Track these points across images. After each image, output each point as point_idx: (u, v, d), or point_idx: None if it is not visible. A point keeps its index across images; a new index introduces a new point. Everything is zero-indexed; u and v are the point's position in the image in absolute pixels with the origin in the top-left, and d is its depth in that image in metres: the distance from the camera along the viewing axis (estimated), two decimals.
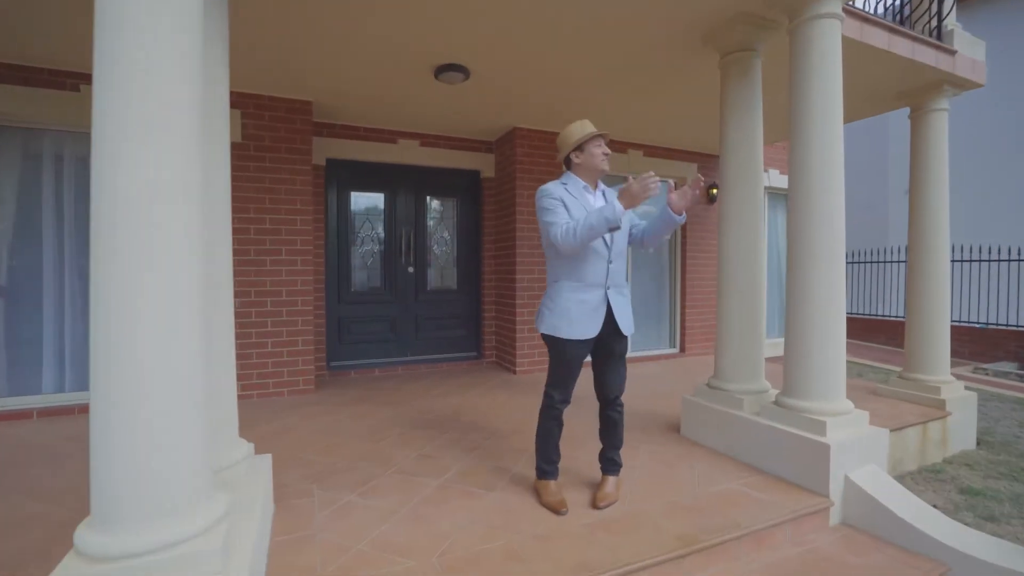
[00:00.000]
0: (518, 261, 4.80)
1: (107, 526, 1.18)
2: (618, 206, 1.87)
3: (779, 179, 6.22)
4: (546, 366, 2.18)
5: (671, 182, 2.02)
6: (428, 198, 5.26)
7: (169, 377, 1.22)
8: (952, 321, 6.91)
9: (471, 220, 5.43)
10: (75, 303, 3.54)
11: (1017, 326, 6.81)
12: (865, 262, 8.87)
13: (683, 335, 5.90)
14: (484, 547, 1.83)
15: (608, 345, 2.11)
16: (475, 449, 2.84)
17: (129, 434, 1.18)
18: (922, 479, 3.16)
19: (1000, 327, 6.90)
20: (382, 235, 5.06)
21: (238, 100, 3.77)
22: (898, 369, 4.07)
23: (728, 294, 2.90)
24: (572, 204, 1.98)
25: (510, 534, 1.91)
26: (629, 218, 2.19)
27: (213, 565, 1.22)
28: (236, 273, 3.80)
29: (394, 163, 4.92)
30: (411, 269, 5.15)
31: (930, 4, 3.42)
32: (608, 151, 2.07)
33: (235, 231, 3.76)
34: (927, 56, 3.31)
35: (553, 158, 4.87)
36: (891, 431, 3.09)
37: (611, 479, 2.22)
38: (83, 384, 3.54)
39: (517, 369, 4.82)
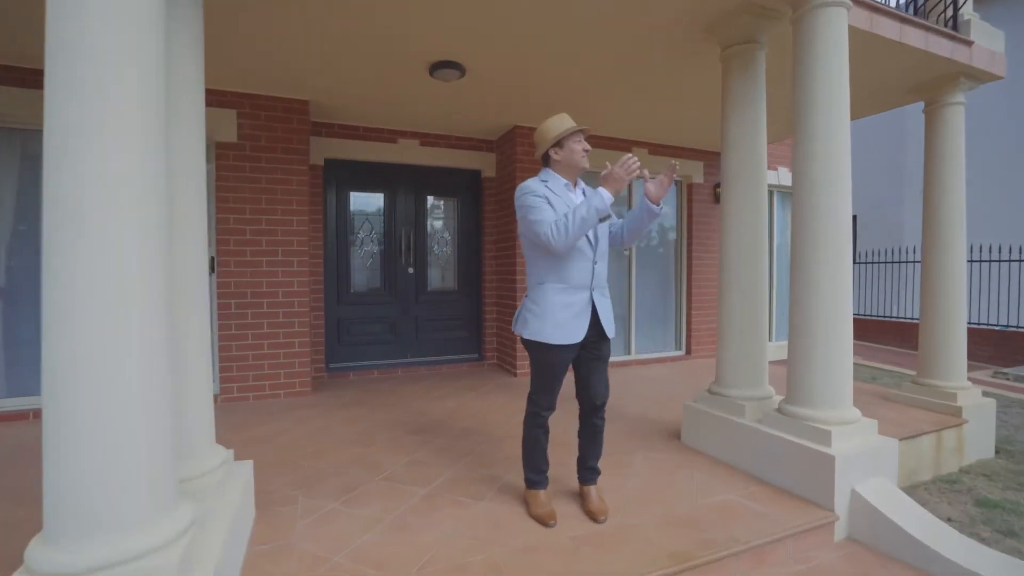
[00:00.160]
0: (519, 262, 4.72)
1: (58, 541, 1.13)
2: (605, 193, 1.79)
3: (789, 177, 6.06)
4: None
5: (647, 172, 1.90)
6: (428, 198, 5.21)
7: (122, 383, 1.16)
8: (970, 323, 6.68)
9: (472, 220, 5.37)
10: None
11: None
12: (880, 262, 8.63)
13: (689, 337, 5.77)
14: (466, 560, 1.75)
15: (593, 349, 2.02)
16: (467, 455, 2.77)
17: (79, 444, 1.13)
18: (936, 490, 3.02)
19: (1022, 329, 6.65)
20: (382, 235, 5.01)
21: (234, 100, 3.75)
22: (913, 373, 3.91)
23: (729, 295, 2.79)
24: (556, 202, 1.89)
25: (494, 547, 1.84)
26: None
27: None
28: (232, 275, 3.82)
29: (394, 163, 4.87)
30: (411, 270, 5.10)
31: None
32: (588, 147, 1.98)
33: (231, 232, 3.80)
34: (942, 47, 3.16)
35: None
36: (904, 439, 2.96)
37: (594, 488, 2.14)
38: None
39: (518, 371, 4.74)
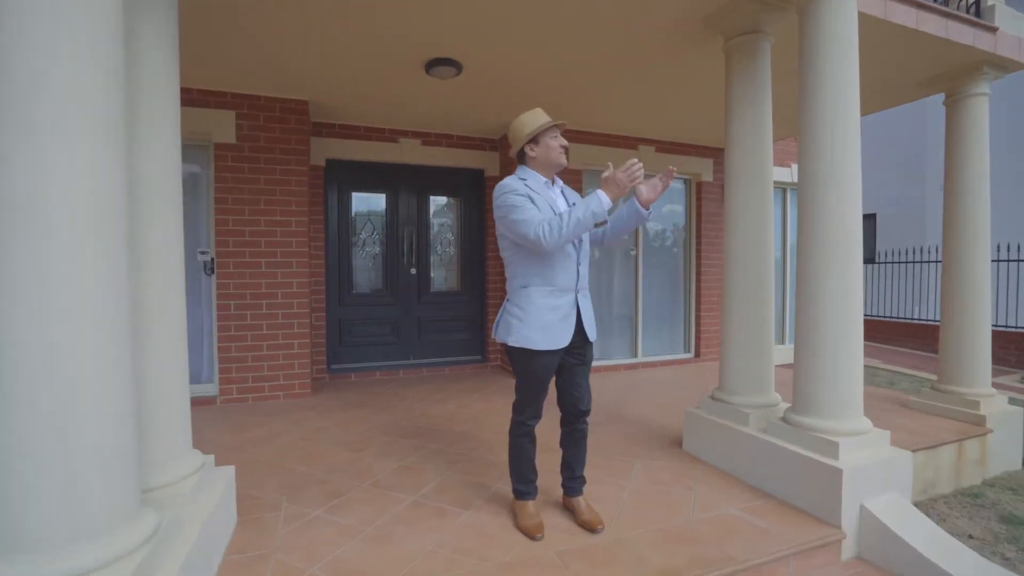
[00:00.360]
0: None
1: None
2: (604, 197, 1.70)
3: None
4: None
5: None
6: (431, 198, 5.16)
7: (64, 385, 1.11)
8: (997, 326, 6.38)
9: (475, 220, 5.30)
10: None
11: None
12: (901, 262, 8.32)
13: (698, 339, 5.61)
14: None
15: (578, 354, 1.93)
16: (459, 461, 2.70)
17: (15, 452, 1.08)
18: (957, 504, 2.85)
19: None
20: (384, 236, 4.98)
21: (232, 101, 3.74)
22: (934, 377, 3.72)
23: (733, 296, 2.67)
24: (538, 201, 1.80)
25: (476, 561, 1.76)
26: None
27: None
28: (231, 276, 3.81)
29: (396, 163, 4.83)
30: (413, 270, 5.05)
31: None
32: (565, 143, 1.89)
33: (230, 233, 3.79)
34: (963, 35, 2.98)
35: None
36: (921, 450, 2.80)
37: (582, 499, 2.06)
38: None
39: None
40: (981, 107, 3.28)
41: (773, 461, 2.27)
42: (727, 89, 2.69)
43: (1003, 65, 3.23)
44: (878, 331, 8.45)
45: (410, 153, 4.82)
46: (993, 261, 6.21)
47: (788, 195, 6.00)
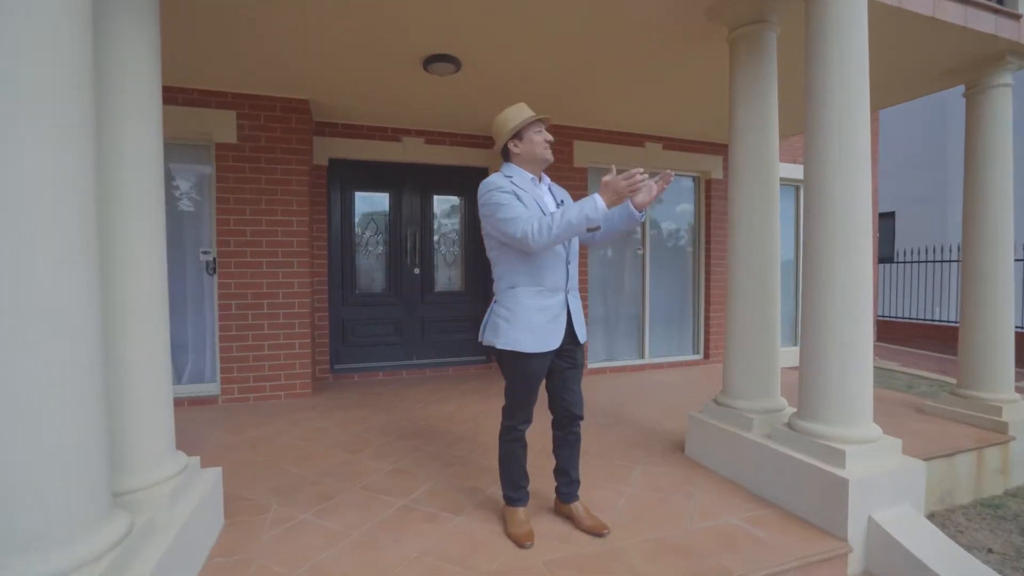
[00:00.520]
0: None
1: None
2: (600, 202, 1.63)
3: None
4: None
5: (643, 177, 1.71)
6: (434, 197, 5.12)
7: (19, 385, 1.09)
8: (1019, 328, 6.12)
9: (479, 219, 5.24)
10: None
11: None
12: (920, 261, 8.05)
13: (707, 340, 5.49)
14: None
15: (568, 357, 1.87)
16: (454, 464, 2.65)
17: None
18: (976, 515, 2.71)
19: None
20: (387, 236, 4.95)
21: (233, 101, 3.74)
22: (955, 381, 3.56)
23: (737, 297, 2.57)
24: (525, 198, 1.74)
25: (460, 569, 1.71)
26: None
27: None
28: (233, 276, 3.82)
29: (399, 162, 4.80)
30: (417, 270, 5.02)
31: None
32: (550, 138, 1.83)
33: (231, 233, 3.79)
34: (984, 23, 2.84)
35: (561, 153, 4.61)
36: (938, 458, 2.67)
37: (580, 504, 2.00)
38: None
39: None
40: (1004, 98, 3.13)
41: (776, 469, 2.18)
42: (731, 81, 2.60)
43: None
44: (897, 333, 8.20)
45: (413, 152, 4.79)
46: (1017, 260, 5.97)
47: (801, 193, 5.83)
